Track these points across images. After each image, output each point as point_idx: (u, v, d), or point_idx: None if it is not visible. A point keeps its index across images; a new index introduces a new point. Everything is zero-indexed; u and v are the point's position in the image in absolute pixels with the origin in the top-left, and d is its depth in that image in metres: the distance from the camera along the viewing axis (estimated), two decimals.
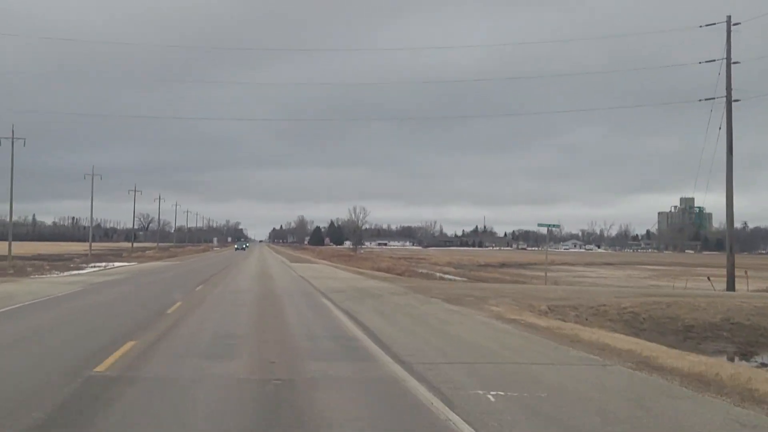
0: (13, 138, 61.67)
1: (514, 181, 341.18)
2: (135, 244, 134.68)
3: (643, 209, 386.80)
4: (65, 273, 45.27)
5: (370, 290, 30.22)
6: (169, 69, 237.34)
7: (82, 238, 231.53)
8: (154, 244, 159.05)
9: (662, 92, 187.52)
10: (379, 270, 55.88)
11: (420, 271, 62.65)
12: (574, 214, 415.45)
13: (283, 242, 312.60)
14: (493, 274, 65.98)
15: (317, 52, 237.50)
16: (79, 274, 44.38)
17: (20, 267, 49.03)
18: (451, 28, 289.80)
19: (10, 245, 59.63)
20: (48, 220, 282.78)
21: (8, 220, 66.55)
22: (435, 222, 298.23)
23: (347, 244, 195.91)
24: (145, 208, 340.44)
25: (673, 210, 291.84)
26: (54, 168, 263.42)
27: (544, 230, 49.60)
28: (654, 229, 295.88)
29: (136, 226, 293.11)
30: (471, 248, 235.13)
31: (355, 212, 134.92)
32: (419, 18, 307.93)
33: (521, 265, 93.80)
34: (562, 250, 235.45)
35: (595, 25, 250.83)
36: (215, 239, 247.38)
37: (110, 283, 34.02)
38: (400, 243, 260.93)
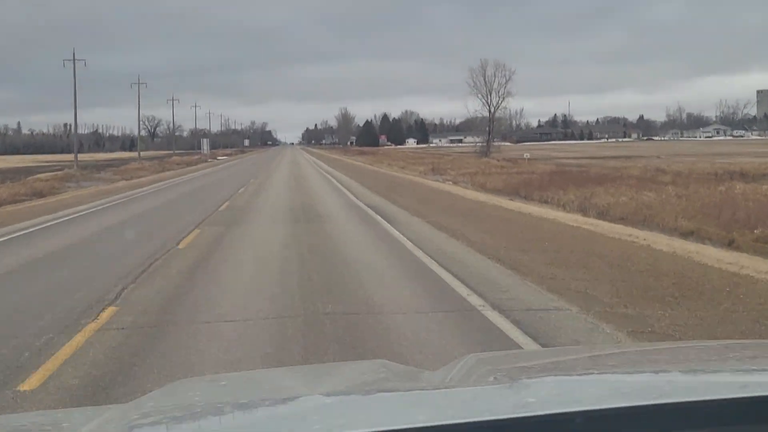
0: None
1: (580, 66, 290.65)
2: (135, 153, 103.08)
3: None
4: None
5: None
6: None
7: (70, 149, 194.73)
8: (165, 152, 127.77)
9: None
10: None
11: None
12: (653, 100, 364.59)
13: (320, 144, 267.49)
14: None
15: None
16: None
17: None
18: None
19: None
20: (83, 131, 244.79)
21: None
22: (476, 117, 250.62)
23: (410, 142, 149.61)
24: (160, 112, 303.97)
25: None
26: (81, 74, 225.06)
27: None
28: (751, 110, 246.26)
29: (142, 132, 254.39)
30: (572, 141, 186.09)
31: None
32: None
33: None
34: (702, 138, 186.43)
35: None
36: (246, 142, 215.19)
37: None
38: (472, 138, 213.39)
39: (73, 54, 60.87)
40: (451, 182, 38.23)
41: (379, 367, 2.54)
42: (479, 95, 77.81)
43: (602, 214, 20.14)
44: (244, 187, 33.02)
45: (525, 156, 54.24)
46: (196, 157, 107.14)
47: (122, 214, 21.52)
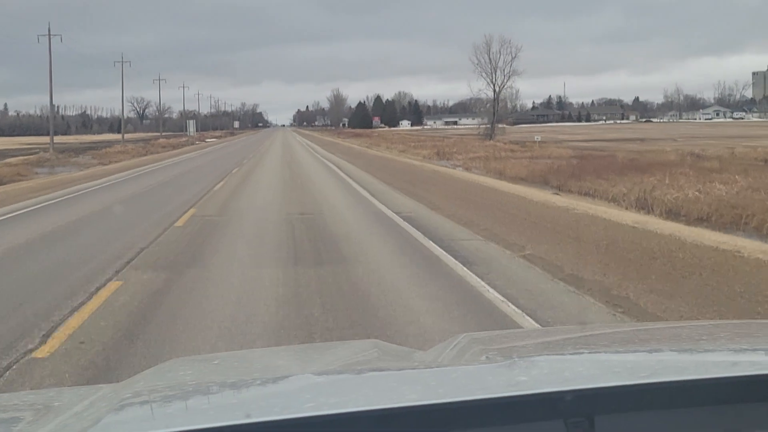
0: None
1: (574, 47, 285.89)
2: (126, 136, 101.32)
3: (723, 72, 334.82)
4: None
5: None
6: None
7: (61, 131, 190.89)
8: (152, 134, 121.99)
9: None
10: None
11: None
12: (648, 81, 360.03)
13: (311, 126, 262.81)
14: None
15: None
16: None
17: None
18: None
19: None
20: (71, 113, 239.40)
21: None
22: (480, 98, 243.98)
23: (404, 124, 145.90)
24: (150, 94, 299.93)
25: None
26: (68, 54, 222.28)
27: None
28: (747, 92, 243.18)
29: (131, 114, 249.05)
30: (569, 123, 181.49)
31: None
32: None
33: None
34: (702, 120, 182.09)
35: None
36: (236, 124, 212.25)
37: None
38: (467, 120, 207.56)
39: (48, 29, 56.43)
40: (461, 168, 34.32)
41: (371, 347, 2.52)
42: (483, 74, 72.08)
43: (672, 213, 16.28)
44: (223, 181, 25.81)
45: (536, 138, 50.28)
46: (183, 139, 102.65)
47: (42, 226, 14.40)
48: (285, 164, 37.55)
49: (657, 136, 69.65)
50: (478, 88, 75.06)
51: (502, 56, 71.21)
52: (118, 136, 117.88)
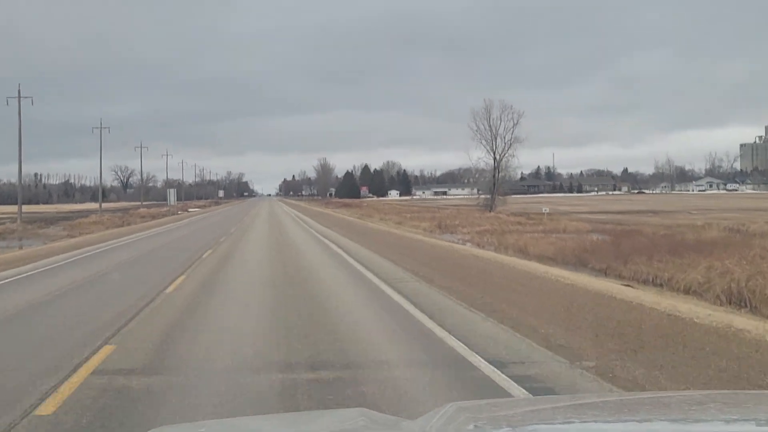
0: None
1: (560, 118, 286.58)
2: (106, 205, 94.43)
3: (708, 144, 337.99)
4: None
5: None
6: None
7: (42, 200, 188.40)
8: (134, 203, 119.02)
9: None
10: None
11: None
12: (634, 153, 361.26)
13: (298, 195, 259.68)
14: None
15: None
16: None
17: None
18: None
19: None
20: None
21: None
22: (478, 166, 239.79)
23: (392, 194, 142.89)
24: (134, 163, 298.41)
25: (758, 141, 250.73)
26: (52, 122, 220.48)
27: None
28: (736, 164, 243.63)
29: (114, 183, 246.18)
30: (560, 194, 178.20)
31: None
32: None
33: None
34: (696, 192, 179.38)
35: None
36: (221, 193, 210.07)
37: None
38: (456, 191, 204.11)
39: (18, 92, 52.69)
40: (471, 244, 30.23)
41: (358, 416, 2.44)
42: (482, 141, 67.43)
43: None
44: (183, 275, 17.62)
45: (543, 210, 46.35)
46: (165, 209, 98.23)
47: None
48: (273, 242, 30.34)
49: (665, 208, 66.00)
50: (477, 156, 70.10)
51: (502, 122, 67.04)
52: (98, 205, 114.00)
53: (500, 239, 29.90)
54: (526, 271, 17.24)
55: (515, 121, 67.04)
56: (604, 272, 19.27)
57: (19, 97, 52.50)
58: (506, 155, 66.49)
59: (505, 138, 66.63)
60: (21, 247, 34.56)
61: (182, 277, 17.22)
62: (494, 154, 65.97)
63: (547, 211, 45.63)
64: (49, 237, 43.09)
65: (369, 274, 17.29)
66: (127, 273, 19.42)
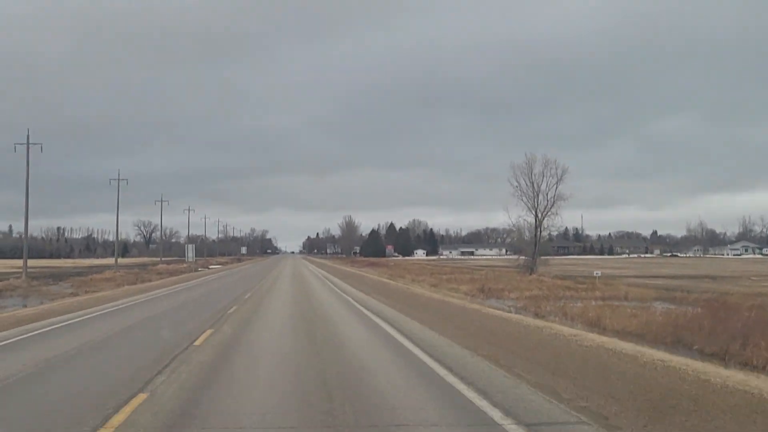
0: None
1: (586, 180, 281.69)
2: (126, 260, 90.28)
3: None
4: None
5: None
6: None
7: (64, 254, 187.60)
8: (154, 259, 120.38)
9: None
10: None
11: None
12: (661, 215, 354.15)
13: (322, 254, 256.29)
14: None
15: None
16: None
17: None
18: None
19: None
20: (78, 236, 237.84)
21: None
22: (494, 228, 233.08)
23: (418, 253, 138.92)
24: (157, 219, 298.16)
25: None
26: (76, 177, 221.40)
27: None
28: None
29: (137, 238, 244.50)
30: (591, 256, 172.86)
31: None
32: None
33: None
34: (731, 256, 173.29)
35: None
36: (243, 249, 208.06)
37: None
38: (483, 251, 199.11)
39: (27, 137, 49.60)
40: (526, 312, 25.88)
41: None
42: (523, 198, 62.18)
43: None
44: (183, 351, 13.83)
45: (595, 274, 41.89)
46: (184, 265, 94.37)
47: None
48: (298, 313, 23.50)
49: (719, 273, 61.11)
50: (518, 214, 64.81)
51: (545, 179, 62.56)
52: (121, 260, 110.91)
53: (559, 307, 25.55)
54: (624, 353, 12.89)
55: (559, 177, 61.73)
56: (722, 357, 14.91)
57: (28, 143, 49.40)
58: (549, 213, 61.26)
59: (547, 195, 61.51)
60: (36, 304, 30.91)
61: (173, 365, 12.17)
62: (535, 212, 60.64)
63: (599, 275, 41.17)
64: (50, 295, 39.36)
65: (435, 365, 12.20)
66: (94, 360, 13.51)
